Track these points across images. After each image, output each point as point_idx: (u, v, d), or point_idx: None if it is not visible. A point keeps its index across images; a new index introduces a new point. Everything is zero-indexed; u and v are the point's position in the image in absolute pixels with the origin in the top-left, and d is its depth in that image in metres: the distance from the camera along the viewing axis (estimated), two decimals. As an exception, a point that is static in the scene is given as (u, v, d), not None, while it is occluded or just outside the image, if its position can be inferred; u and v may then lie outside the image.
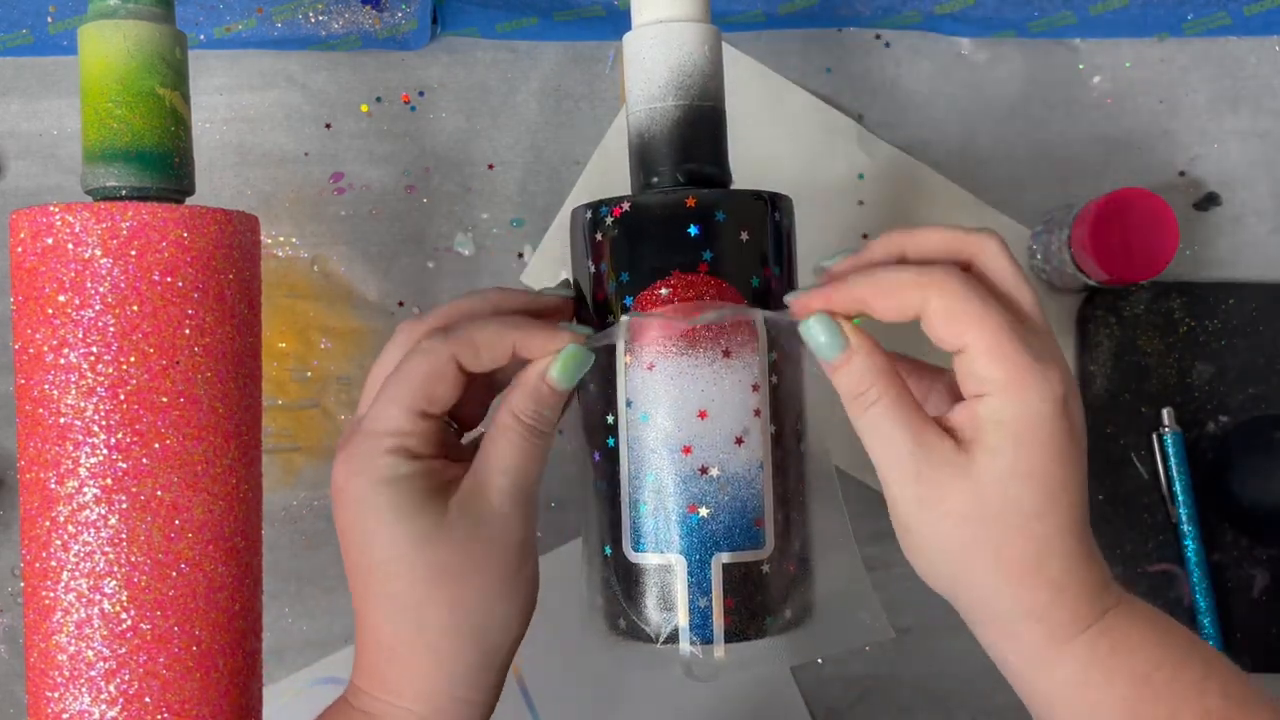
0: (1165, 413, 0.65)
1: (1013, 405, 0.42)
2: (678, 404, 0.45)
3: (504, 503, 0.45)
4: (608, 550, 0.47)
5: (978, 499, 0.43)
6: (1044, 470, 0.42)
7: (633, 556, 0.47)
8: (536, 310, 0.48)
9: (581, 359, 0.46)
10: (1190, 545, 0.65)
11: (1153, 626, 0.45)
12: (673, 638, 0.46)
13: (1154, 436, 0.66)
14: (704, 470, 0.45)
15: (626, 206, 0.46)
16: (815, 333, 0.45)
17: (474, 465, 0.46)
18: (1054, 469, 0.43)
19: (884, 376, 0.44)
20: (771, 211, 0.47)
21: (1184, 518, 0.65)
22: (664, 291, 0.46)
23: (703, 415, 0.45)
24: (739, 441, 0.46)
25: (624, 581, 0.47)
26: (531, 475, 0.46)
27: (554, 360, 0.45)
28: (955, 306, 0.43)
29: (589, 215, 0.47)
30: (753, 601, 0.46)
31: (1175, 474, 0.65)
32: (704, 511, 0.46)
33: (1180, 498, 0.65)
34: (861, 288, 0.44)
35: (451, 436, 0.49)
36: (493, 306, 0.48)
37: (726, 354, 0.45)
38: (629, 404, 0.46)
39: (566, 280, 0.50)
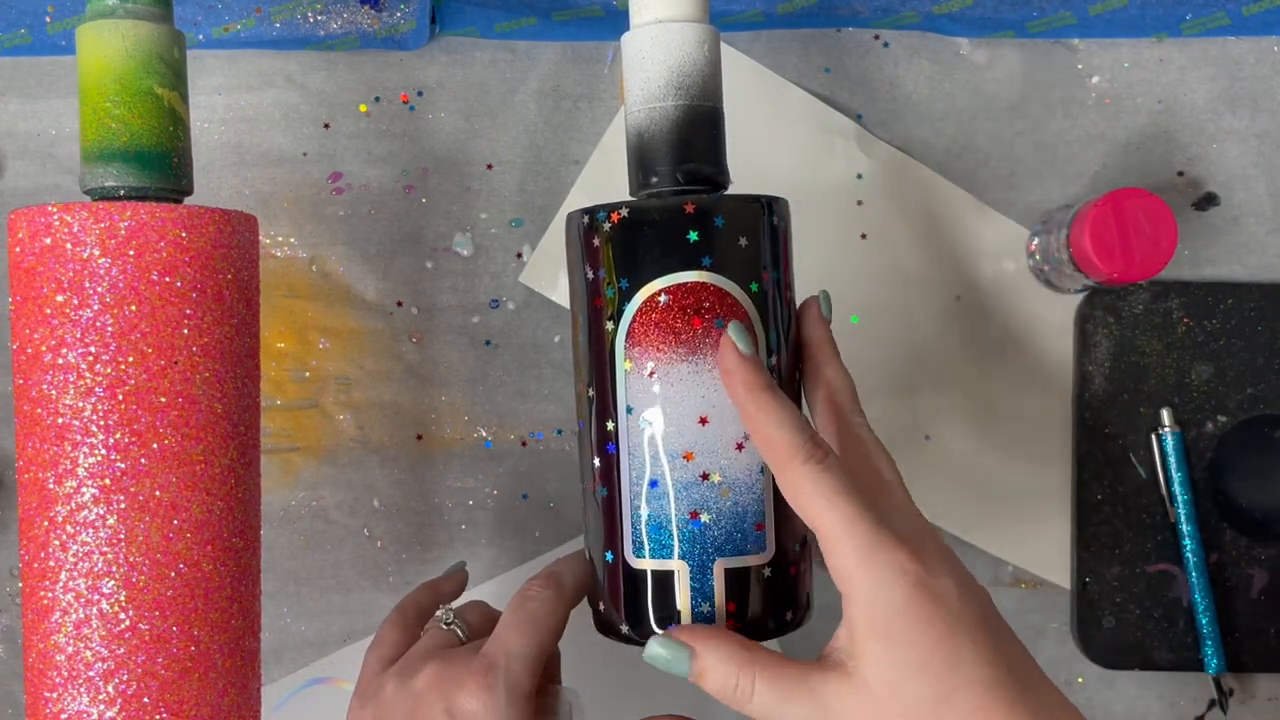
0: (1164, 412, 0.65)
1: (865, 602, 0.41)
2: (678, 410, 0.45)
3: None
4: (609, 556, 0.47)
5: (878, 711, 0.40)
6: (929, 658, 0.40)
7: (634, 563, 0.47)
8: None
9: None
10: (1189, 545, 0.65)
11: None
12: None
13: (1153, 436, 0.66)
14: (705, 476, 0.45)
15: (625, 212, 0.46)
16: (657, 657, 0.44)
17: None
18: (939, 652, 0.40)
19: (743, 663, 0.43)
20: (769, 215, 0.47)
21: (1183, 517, 0.65)
22: (663, 298, 0.45)
23: (703, 421, 0.45)
24: (740, 447, 0.46)
25: (626, 587, 0.47)
26: None
27: None
28: (792, 493, 0.42)
29: (585, 220, 0.47)
30: (755, 605, 0.46)
31: (1174, 474, 0.65)
32: (705, 517, 0.45)
33: (1179, 497, 0.65)
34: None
35: None
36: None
37: None
38: (629, 410, 0.46)
39: (460, 562, 0.59)
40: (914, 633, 0.40)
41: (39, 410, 0.49)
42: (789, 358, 0.48)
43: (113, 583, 0.48)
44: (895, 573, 0.41)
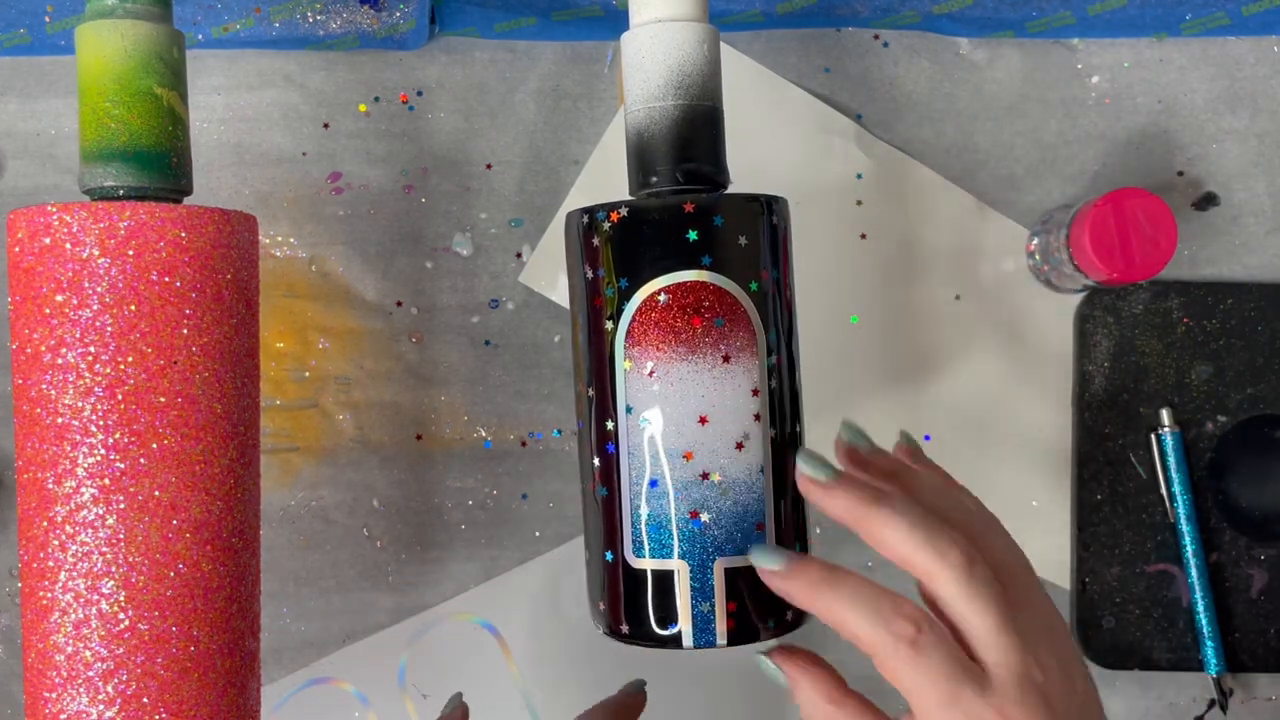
0: (1164, 412, 0.65)
1: None
2: (678, 409, 0.45)
3: None
4: (609, 556, 0.47)
5: None
6: None
7: (634, 562, 0.47)
8: None
9: None
10: (1189, 545, 0.65)
11: None
12: (675, 642, 0.46)
13: (1152, 436, 0.66)
14: (705, 475, 0.45)
15: (624, 211, 0.46)
16: (765, 667, 0.46)
17: None
18: None
19: (832, 712, 0.44)
20: (768, 214, 0.47)
21: (1182, 517, 0.65)
22: (663, 298, 0.45)
23: (703, 420, 0.45)
24: (740, 446, 0.46)
25: (625, 587, 0.47)
26: None
27: None
28: (888, 668, 0.42)
29: (585, 220, 0.47)
30: (755, 605, 0.46)
31: (1174, 474, 0.65)
32: (705, 517, 0.46)
33: (1179, 497, 0.65)
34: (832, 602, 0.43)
35: None
36: None
37: (726, 359, 0.45)
38: (629, 409, 0.46)
39: (458, 694, 0.55)
40: None
41: (38, 410, 0.49)
42: (788, 358, 0.48)
43: (112, 583, 0.48)
44: None
